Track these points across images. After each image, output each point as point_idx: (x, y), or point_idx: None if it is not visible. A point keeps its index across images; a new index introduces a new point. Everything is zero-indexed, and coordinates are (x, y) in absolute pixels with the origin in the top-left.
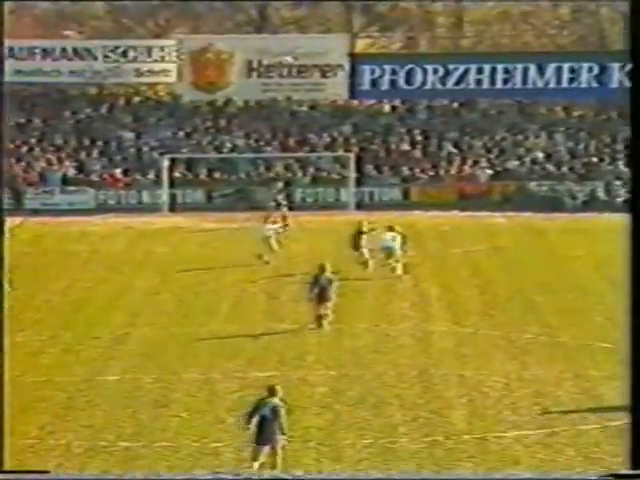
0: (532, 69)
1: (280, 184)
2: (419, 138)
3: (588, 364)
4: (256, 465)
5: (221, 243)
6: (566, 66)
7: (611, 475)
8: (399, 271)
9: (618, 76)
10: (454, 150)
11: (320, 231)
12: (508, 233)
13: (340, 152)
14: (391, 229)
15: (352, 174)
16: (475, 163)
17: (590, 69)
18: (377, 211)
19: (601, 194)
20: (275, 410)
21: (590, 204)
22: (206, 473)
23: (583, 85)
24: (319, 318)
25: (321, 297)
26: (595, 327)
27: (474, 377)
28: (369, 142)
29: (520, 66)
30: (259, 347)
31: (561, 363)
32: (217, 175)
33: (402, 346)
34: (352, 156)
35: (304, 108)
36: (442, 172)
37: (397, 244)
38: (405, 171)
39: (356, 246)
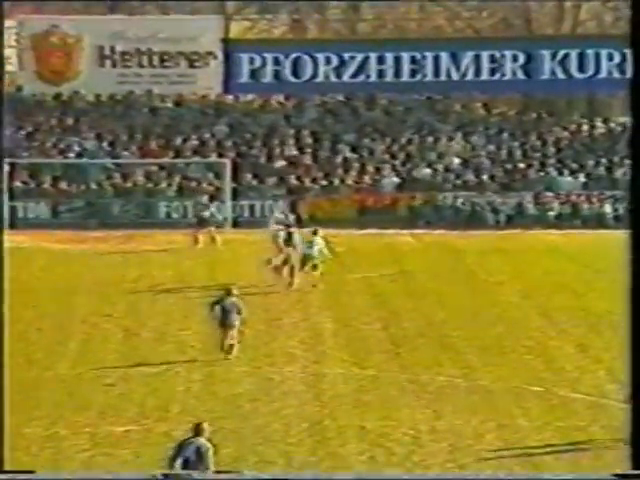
0: (444, 58)
1: (205, 197)
2: (309, 141)
3: (515, 412)
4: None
5: (68, 267)
6: (485, 54)
7: (614, 475)
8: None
9: (549, 66)
10: (351, 155)
11: (187, 253)
12: (417, 254)
13: (213, 158)
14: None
15: (228, 184)
16: (377, 171)
17: (514, 58)
18: (258, 228)
19: (529, 207)
20: (200, 452)
21: (516, 219)
22: (206, 473)
23: (506, 77)
24: (229, 347)
25: (223, 323)
26: (523, 367)
27: (377, 429)
28: (248, 146)
29: (430, 55)
30: (113, 395)
31: (482, 411)
32: (63, 185)
33: (289, 393)
34: (228, 162)
35: (168, 104)
36: (337, 181)
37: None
38: (292, 180)
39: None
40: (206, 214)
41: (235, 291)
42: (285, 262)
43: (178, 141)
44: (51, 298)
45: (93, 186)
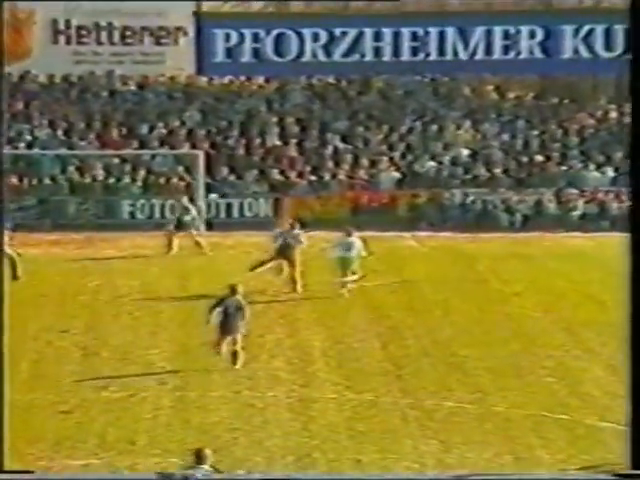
0: (451, 33)
1: (185, 198)
2: (294, 129)
3: (534, 442)
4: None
5: (22, 274)
6: (498, 30)
7: (614, 475)
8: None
9: (571, 44)
10: (343, 146)
11: (156, 259)
12: (420, 261)
13: (183, 149)
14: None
15: (201, 179)
16: (373, 164)
17: (531, 34)
18: (237, 231)
19: (549, 206)
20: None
21: (534, 220)
22: (206, 473)
23: (522, 56)
24: (233, 356)
25: (225, 327)
26: (543, 391)
27: (375, 463)
28: (224, 135)
29: (434, 30)
30: (70, 424)
31: (496, 442)
32: (12, 180)
33: (272, 421)
34: (201, 154)
35: (131, 87)
36: (327, 176)
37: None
38: (275, 175)
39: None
40: (187, 218)
41: (240, 289)
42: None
43: (143, 129)
44: None
45: (46, 181)
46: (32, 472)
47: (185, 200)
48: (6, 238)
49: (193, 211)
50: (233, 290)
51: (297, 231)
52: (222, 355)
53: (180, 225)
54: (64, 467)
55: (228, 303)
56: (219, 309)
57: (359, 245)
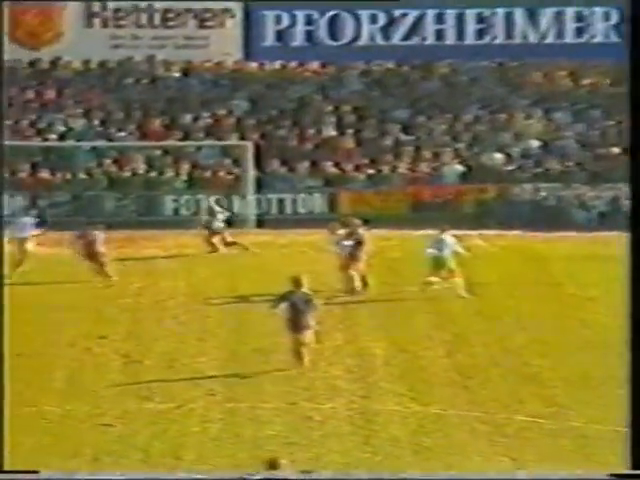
0: (519, 16)
1: (212, 199)
2: (351, 119)
3: (615, 460)
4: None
5: (52, 278)
6: (570, 11)
7: (611, 475)
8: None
9: None
10: (404, 136)
11: (205, 258)
12: (488, 262)
13: (231, 140)
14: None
15: (250, 173)
16: (436, 156)
17: (606, 15)
18: (289, 229)
19: (628, 202)
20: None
21: (611, 217)
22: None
23: (597, 39)
24: (297, 353)
25: (295, 324)
26: (621, 404)
27: None
28: (274, 125)
29: (501, 11)
30: (111, 438)
31: (573, 459)
32: (44, 174)
33: (331, 435)
34: (249, 146)
35: (174, 73)
36: (386, 170)
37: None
38: (330, 168)
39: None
40: (216, 225)
41: (305, 281)
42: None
43: (187, 119)
44: (31, 316)
45: (81, 175)
46: (32, 472)
47: (212, 201)
48: (30, 236)
49: (220, 213)
50: (297, 283)
51: (361, 230)
52: (301, 356)
53: (210, 228)
54: None
55: (294, 298)
56: (285, 304)
57: (452, 243)
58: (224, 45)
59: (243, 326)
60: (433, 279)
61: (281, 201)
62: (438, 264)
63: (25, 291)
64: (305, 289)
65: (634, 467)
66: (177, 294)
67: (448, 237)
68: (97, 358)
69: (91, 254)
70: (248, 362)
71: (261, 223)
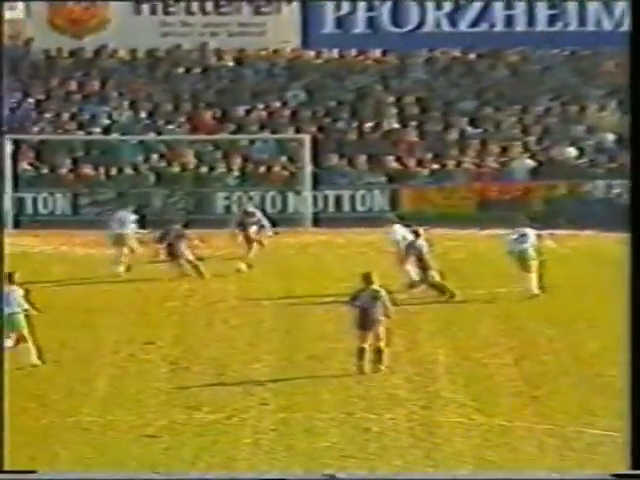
0: (593, 2)
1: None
2: (414, 110)
3: None
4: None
5: (95, 279)
6: None
7: (611, 475)
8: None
9: None
10: (470, 129)
11: (258, 259)
12: (559, 264)
13: (287, 133)
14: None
15: (307, 168)
16: (504, 151)
17: None
18: (347, 227)
19: None
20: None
21: None
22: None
23: None
24: (361, 352)
25: (364, 322)
26: None
27: None
28: (333, 117)
29: None
30: (157, 450)
31: None
32: (87, 170)
33: (390, 448)
34: (306, 139)
35: (227, 63)
36: (450, 165)
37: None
38: (391, 163)
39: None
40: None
41: (375, 278)
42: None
43: (240, 111)
44: (72, 320)
45: (126, 171)
46: (32, 472)
47: (250, 207)
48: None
49: (258, 214)
50: (367, 279)
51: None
52: (365, 358)
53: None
54: None
55: (363, 296)
56: (356, 303)
57: (533, 236)
58: (280, 32)
59: (298, 330)
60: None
61: (339, 198)
62: (521, 258)
63: (63, 293)
64: (375, 286)
65: (634, 467)
66: (228, 296)
67: (528, 230)
68: (142, 365)
69: (174, 254)
70: (303, 369)
71: (317, 221)
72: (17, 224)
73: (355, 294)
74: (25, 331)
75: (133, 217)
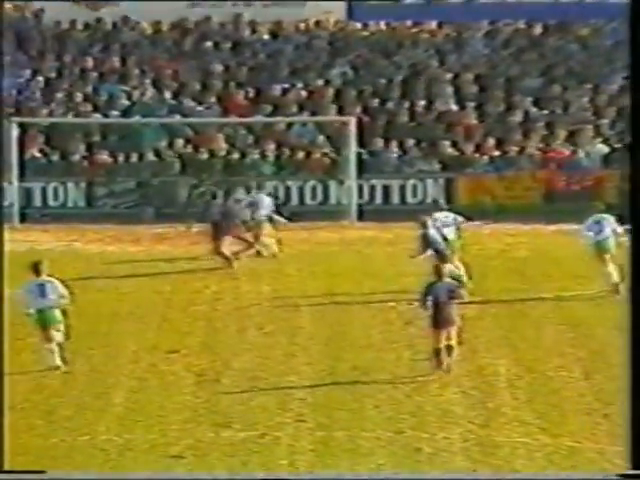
0: None
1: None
2: (472, 89)
3: None
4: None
5: (112, 280)
6: None
7: (617, 475)
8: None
9: None
10: (535, 111)
11: (295, 257)
12: None
13: (329, 115)
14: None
15: (351, 154)
16: (573, 135)
17: None
18: (396, 222)
19: None
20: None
21: None
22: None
23: None
24: (438, 353)
25: (436, 319)
26: None
27: None
28: (381, 97)
29: None
30: (184, 472)
31: None
32: (104, 156)
33: (444, 470)
34: (351, 122)
35: (262, 36)
36: (513, 151)
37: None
38: (447, 149)
39: None
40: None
41: (447, 270)
42: None
43: (276, 90)
44: (86, 327)
45: (148, 157)
46: (33, 472)
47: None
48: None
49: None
50: (438, 272)
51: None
52: (440, 359)
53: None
54: None
55: (437, 289)
56: (430, 298)
57: (613, 222)
58: (322, 2)
59: (341, 338)
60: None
61: (387, 188)
62: (599, 249)
63: (75, 296)
64: (448, 279)
65: (634, 467)
66: (261, 299)
67: (605, 216)
68: (165, 377)
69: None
70: (346, 382)
71: (362, 215)
72: (24, 218)
73: (427, 289)
74: (54, 329)
75: (270, 200)
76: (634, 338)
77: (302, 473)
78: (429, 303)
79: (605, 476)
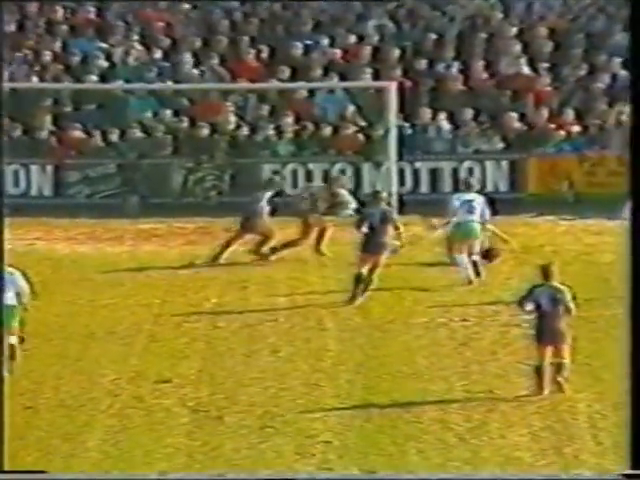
0: None
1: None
2: (546, 47)
3: None
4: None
5: (88, 289)
6: None
7: (620, 475)
8: None
9: None
10: (626, 74)
11: (319, 261)
12: None
13: (363, 80)
14: None
15: (392, 130)
16: None
17: None
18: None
19: None
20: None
21: None
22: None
23: None
24: (539, 372)
25: (541, 332)
26: None
27: None
28: (429, 57)
29: None
30: None
31: None
32: (75, 133)
33: None
34: (392, 88)
35: None
36: (597, 125)
37: None
38: (513, 122)
39: None
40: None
41: (557, 272)
42: None
43: (296, 50)
44: (53, 349)
45: (134, 133)
46: (33, 472)
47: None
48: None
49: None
50: (546, 274)
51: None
52: (542, 380)
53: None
54: None
55: (542, 295)
56: (529, 306)
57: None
58: None
59: (376, 364)
60: None
61: (435, 172)
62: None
63: (40, 310)
64: (556, 282)
65: (634, 467)
66: (277, 315)
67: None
68: (153, 413)
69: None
70: (382, 420)
71: (404, 205)
72: None
73: (528, 293)
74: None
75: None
76: (634, 338)
77: (302, 473)
78: (531, 308)
79: (610, 476)
